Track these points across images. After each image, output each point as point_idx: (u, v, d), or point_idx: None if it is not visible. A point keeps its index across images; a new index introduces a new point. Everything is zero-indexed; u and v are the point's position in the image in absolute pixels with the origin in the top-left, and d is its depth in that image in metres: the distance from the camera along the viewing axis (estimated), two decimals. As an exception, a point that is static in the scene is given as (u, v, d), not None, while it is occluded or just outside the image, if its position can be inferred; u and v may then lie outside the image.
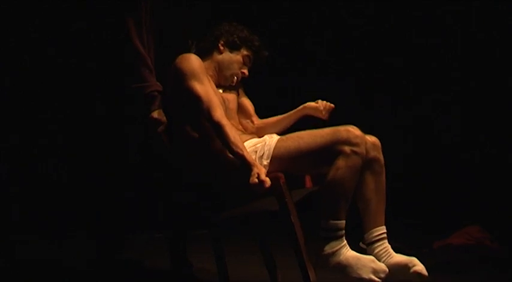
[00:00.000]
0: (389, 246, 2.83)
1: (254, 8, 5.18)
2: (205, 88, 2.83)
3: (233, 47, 3.09)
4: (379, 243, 2.82)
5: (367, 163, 2.83)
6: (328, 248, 2.72)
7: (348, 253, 2.72)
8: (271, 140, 2.89)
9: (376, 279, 2.67)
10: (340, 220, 2.72)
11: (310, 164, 2.81)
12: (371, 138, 2.87)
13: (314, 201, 2.84)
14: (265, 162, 2.80)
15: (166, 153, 3.06)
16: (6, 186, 4.64)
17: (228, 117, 2.98)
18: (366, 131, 2.84)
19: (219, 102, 2.84)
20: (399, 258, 2.79)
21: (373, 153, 2.85)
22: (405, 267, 2.76)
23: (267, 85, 4.84)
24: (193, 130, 2.89)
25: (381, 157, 2.88)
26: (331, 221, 2.71)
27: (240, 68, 3.10)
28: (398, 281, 2.78)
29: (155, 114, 2.99)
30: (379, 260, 2.77)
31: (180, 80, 2.85)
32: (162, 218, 3.56)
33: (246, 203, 2.89)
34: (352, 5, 5.39)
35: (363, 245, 2.87)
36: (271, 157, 2.81)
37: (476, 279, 3.42)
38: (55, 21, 4.63)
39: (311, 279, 2.67)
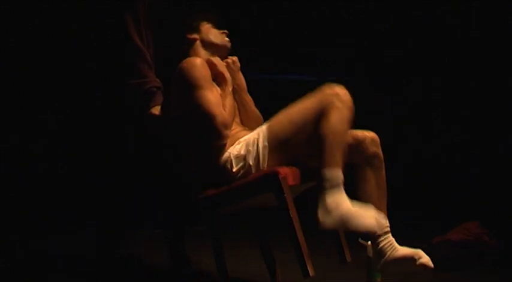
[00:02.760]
0: (394, 239, 2.83)
1: (254, 8, 5.18)
2: (212, 99, 2.81)
3: (197, 29, 3.06)
4: (383, 237, 2.82)
5: (367, 159, 2.85)
6: (331, 201, 2.67)
7: (349, 203, 2.67)
8: (262, 126, 2.90)
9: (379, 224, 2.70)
10: (337, 168, 2.68)
11: (306, 136, 2.78)
12: (370, 134, 2.88)
13: (312, 196, 2.84)
14: (265, 143, 2.79)
15: (165, 151, 3.07)
16: (6, 186, 4.63)
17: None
18: (365, 129, 2.84)
19: (224, 112, 2.83)
20: (405, 250, 2.80)
21: (372, 149, 2.86)
22: (411, 260, 2.76)
23: (266, 85, 4.84)
24: (192, 130, 2.89)
25: (380, 152, 2.89)
26: (329, 169, 2.68)
27: (220, 35, 3.08)
28: (405, 273, 2.79)
29: (154, 110, 3.00)
30: (384, 254, 2.79)
31: (186, 90, 2.83)
32: (161, 218, 3.56)
33: (245, 200, 2.89)
34: (352, 5, 5.40)
35: (362, 241, 2.87)
36: (268, 138, 2.80)
37: (474, 275, 3.43)
38: (55, 21, 4.63)
39: (310, 274, 2.67)
